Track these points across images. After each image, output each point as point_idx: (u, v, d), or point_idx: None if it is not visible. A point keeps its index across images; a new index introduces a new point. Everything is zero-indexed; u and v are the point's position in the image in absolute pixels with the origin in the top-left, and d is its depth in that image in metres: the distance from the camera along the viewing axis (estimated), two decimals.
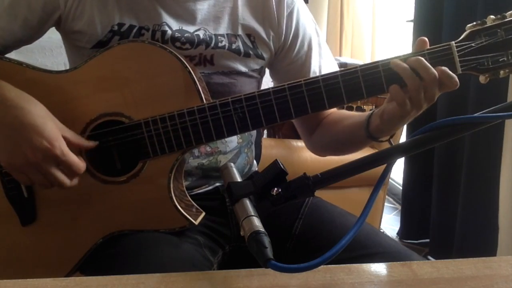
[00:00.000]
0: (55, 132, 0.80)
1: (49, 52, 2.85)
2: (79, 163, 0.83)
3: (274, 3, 1.02)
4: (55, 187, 0.84)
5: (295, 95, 0.85)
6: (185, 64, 0.86)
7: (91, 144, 0.86)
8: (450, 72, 0.80)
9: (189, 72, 0.86)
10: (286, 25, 1.03)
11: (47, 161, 0.80)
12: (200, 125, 0.85)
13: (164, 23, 0.94)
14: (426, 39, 0.84)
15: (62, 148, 0.80)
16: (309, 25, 1.07)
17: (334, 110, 1.07)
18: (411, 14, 2.47)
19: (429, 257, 2.28)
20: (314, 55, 1.06)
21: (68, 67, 0.94)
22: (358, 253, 0.86)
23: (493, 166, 1.85)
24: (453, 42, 0.82)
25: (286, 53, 1.05)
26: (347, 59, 2.48)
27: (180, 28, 0.95)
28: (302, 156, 2.08)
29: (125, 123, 0.87)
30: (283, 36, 1.03)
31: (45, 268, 0.91)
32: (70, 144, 0.83)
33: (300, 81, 0.85)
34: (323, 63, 1.07)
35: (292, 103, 0.85)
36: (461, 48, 0.82)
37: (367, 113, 0.93)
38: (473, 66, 0.82)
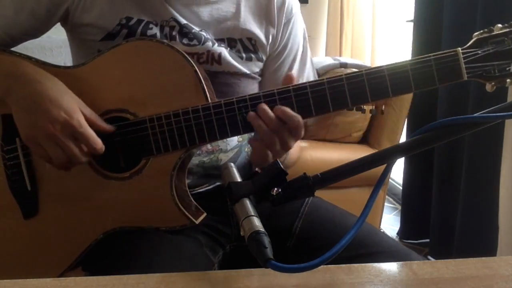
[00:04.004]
0: (73, 105, 0.82)
1: (49, 52, 2.85)
2: (96, 138, 0.83)
3: (275, 9, 1.03)
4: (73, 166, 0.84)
5: (299, 97, 0.85)
6: (192, 63, 0.87)
7: (107, 127, 0.86)
8: (291, 112, 0.82)
9: (195, 71, 0.87)
10: (282, 32, 1.05)
11: (65, 132, 0.81)
12: (204, 124, 0.86)
13: (172, 19, 0.95)
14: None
15: (80, 120, 0.81)
16: (299, 38, 1.09)
17: None
18: (411, 14, 2.48)
19: (429, 257, 2.28)
20: (295, 67, 1.08)
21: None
22: (358, 253, 0.86)
23: (493, 166, 1.85)
24: (460, 48, 0.81)
25: (272, 61, 1.07)
26: (347, 59, 2.47)
27: (187, 23, 0.96)
28: (302, 156, 2.08)
29: (130, 120, 0.88)
30: (278, 42, 1.05)
31: (45, 262, 0.92)
32: (87, 120, 0.83)
33: (305, 83, 0.85)
34: (303, 75, 1.09)
35: (296, 105, 0.85)
36: (467, 55, 0.80)
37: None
38: (479, 74, 0.81)
